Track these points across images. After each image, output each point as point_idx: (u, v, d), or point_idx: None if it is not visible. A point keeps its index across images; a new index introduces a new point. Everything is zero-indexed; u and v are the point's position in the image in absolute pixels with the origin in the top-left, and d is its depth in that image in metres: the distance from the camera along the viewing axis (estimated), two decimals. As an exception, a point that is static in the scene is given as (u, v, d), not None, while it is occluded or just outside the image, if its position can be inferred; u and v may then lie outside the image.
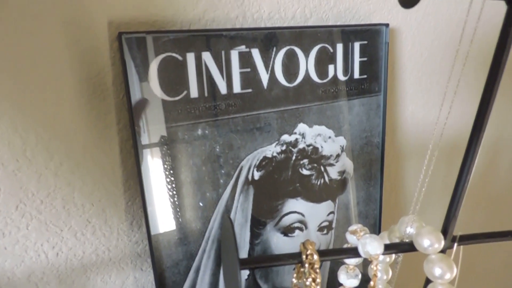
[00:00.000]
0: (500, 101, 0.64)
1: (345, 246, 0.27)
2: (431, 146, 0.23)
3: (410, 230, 0.26)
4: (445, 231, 0.25)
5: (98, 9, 0.33)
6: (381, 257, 0.28)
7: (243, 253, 0.43)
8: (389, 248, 0.25)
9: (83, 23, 0.33)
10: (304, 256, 0.23)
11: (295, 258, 0.23)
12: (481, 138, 0.23)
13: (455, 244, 0.26)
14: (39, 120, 0.34)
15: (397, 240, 0.28)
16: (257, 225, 0.43)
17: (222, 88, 0.38)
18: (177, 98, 0.36)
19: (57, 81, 0.33)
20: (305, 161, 0.44)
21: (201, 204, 0.39)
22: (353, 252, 0.24)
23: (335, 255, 0.24)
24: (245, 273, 0.44)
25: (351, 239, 0.26)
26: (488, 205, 0.73)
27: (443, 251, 0.26)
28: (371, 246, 0.23)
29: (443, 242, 0.24)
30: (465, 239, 0.26)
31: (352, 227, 0.26)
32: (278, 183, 0.43)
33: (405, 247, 0.25)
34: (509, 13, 0.21)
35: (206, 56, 0.37)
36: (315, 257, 0.23)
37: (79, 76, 0.34)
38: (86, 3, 0.33)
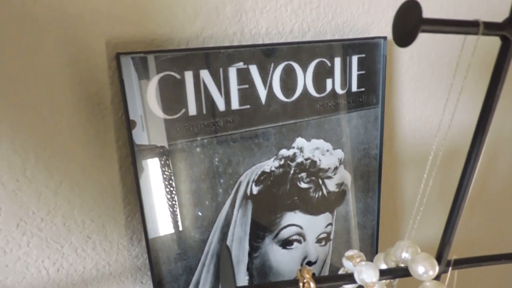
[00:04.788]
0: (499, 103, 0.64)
1: (341, 271, 0.27)
2: (427, 171, 0.24)
3: (405, 255, 0.26)
4: (439, 256, 0.26)
5: (96, 28, 0.33)
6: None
7: (242, 267, 0.43)
8: (384, 274, 0.25)
9: (81, 43, 0.33)
10: (301, 284, 0.24)
11: (292, 286, 0.24)
12: (475, 169, 0.23)
13: (450, 269, 0.26)
14: (38, 139, 0.34)
15: (393, 264, 0.28)
16: (255, 239, 0.43)
17: (220, 105, 0.38)
18: (175, 116, 0.36)
19: (55, 100, 0.34)
20: (303, 174, 0.44)
21: (200, 213, 0.40)
22: (349, 278, 0.25)
23: (332, 281, 0.24)
24: (244, 278, 0.45)
25: (348, 265, 0.26)
26: (484, 209, 0.74)
27: (438, 276, 0.26)
28: (366, 274, 0.24)
29: (437, 269, 0.25)
30: (459, 263, 0.27)
31: (349, 253, 0.26)
32: (277, 197, 0.43)
33: (400, 272, 0.26)
34: (503, 48, 0.21)
35: (204, 74, 0.37)
36: (312, 285, 0.23)
37: (77, 95, 0.35)
38: (83, 23, 0.33)
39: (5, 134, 0.32)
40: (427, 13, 0.50)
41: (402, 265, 0.27)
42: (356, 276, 0.24)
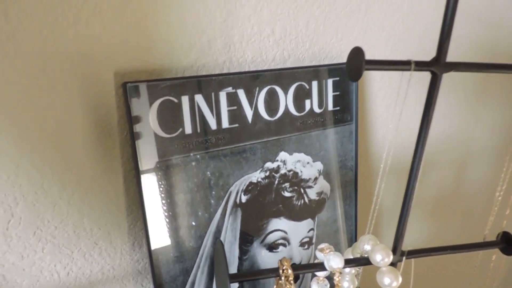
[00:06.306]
0: (467, 115, 0.71)
1: (316, 261, 0.33)
2: (380, 174, 0.29)
3: (367, 247, 0.32)
4: (394, 248, 0.31)
5: (105, 62, 0.39)
6: (347, 270, 0.34)
7: (233, 268, 0.48)
8: (349, 262, 0.31)
9: (93, 74, 0.39)
10: (281, 271, 0.29)
11: (274, 272, 0.29)
12: (418, 171, 0.29)
13: (404, 258, 0.32)
14: (54, 156, 0.39)
15: (358, 255, 0.34)
16: (245, 243, 0.48)
17: (213, 124, 0.44)
18: (173, 135, 0.42)
19: (71, 122, 0.39)
20: (287, 184, 0.50)
21: (193, 224, 0.45)
22: (320, 266, 0.30)
23: (306, 269, 0.30)
24: (234, 285, 0.50)
25: (319, 256, 0.31)
26: (460, 216, 0.80)
27: (394, 264, 0.32)
28: (333, 261, 0.29)
29: (391, 257, 0.30)
30: (412, 254, 0.32)
31: (320, 246, 0.32)
32: (263, 205, 0.49)
33: (363, 261, 0.31)
34: (432, 81, 0.27)
35: (198, 98, 0.43)
36: (290, 271, 0.28)
37: (89, 117, 0.40)
38: (95, 58, 0.38)
39: (26, 152, 0.37)
40: (374, 55, 0.57)
41: (365, 256, 0.33)
42: (325, 264, 0.30)
